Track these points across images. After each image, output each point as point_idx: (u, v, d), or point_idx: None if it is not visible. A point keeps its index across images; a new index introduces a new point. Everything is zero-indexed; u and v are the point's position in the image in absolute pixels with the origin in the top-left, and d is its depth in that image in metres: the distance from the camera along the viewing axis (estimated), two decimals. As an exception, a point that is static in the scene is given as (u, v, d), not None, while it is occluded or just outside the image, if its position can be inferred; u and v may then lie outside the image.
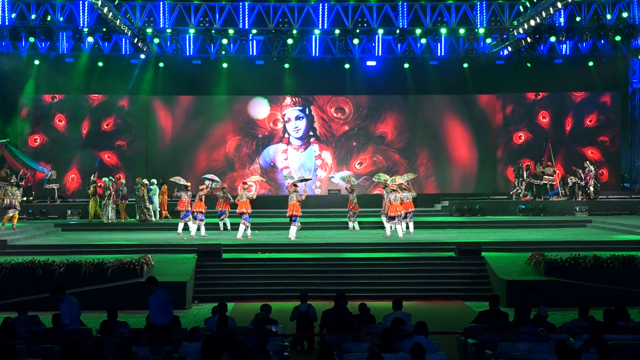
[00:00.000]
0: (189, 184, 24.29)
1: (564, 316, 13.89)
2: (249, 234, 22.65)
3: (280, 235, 23.85)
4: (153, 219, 26.75)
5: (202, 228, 23.46)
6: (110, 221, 26.16)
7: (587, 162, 29.86)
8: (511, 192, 29.81)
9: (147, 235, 24.23)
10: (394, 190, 22.81)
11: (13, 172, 28.66)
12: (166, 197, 27.31)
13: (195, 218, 23.37)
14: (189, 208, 23.56)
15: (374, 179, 25.85)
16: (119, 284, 17.62)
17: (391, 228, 22.91)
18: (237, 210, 22.72)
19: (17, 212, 23.64)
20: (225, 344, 9.56)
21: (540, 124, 32.44)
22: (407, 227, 23.59)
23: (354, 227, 25.07)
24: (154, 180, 27.42)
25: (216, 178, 25.06)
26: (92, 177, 27.68)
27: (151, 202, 26.73)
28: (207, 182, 24.33)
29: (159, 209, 27.20)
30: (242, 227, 22.50)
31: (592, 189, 29.15)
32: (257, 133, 32.73)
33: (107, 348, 9.79)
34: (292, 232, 22.25)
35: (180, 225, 23.84)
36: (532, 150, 31.96)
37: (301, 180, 23.79)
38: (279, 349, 10.71)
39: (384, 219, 23.60)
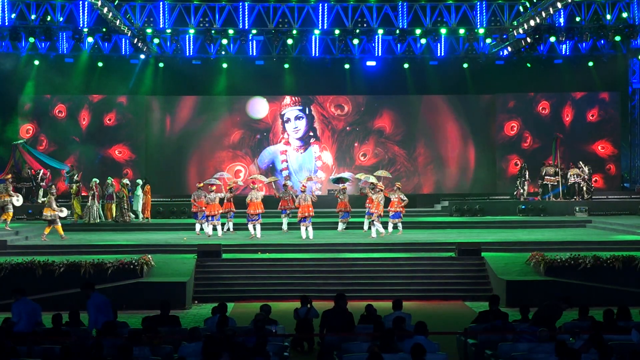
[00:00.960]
0: (213, 187, 23.81)
1: (564, 316, 13.85)
2: (253, 234, 22.68)
3: (280, 235, 23.86)
4: (133, 219, 26.73)
5: (212, 228, 23.46)
6: (95, 221, 26.04)
7: (581, 162, 29.93)
8: (515, 192, 29.83)
9: (147, 235, 24.22)
10: (381, 190, 22.89)
11: (32, 173, 28.83)
12: (149, 197, 27.25)
13: (212, 219, 23.31)
14: (203, 209, 23.50)
15: (358, 176, 25.92)
16: (119, 284, 17.62)
17: (382, 227, 22.92)
18: (253, 211, 22.59)
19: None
20: (225, 344, 9.56)
21: (540, 122, 32.45)
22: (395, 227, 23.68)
23: (342, 228, 25.18)
24: (139, 181, 27.36)
25: (228, 175, 25.01)
26: (74, 177, 27.74)
27: (131, 203, 26.75)
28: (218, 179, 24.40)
29: (140, 210, 27.09)
30: (258, 227, 22.64)
31: (584, 189, 29.30)
32: (256, 133, 32.73)
33: (107, 348, 9.79)
34: (310, 232, 22.31)
35: (209, 227, 23.44)
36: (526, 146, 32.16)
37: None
38: (279, 349, 10.71)
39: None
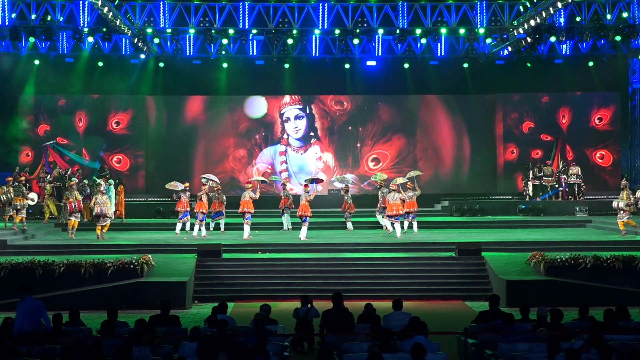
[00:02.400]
0: (186, 184, 24.25)
1: (564, 316, 13.86)
2: (249, 235, 22.65)
3: (280, 235, 23.87)
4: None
5: (203, 228, 23.43)
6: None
7: (574, 162, 30.02)
8: (524, 193, 29.95)
9: (147, 235, 24.25)
10: (393, 189, 22.81)
11: (62, 172, 28.87)
12: (122, 197, 27.18)
13: (196, 218, 23.35)
14: (188, 208, 23.61)
15: (371, 178, 25.77)
16: (119, 284, 17.64)
17: (392, 226, 22.84)
18: (240, 210, 22.71)
19: (110, 220, 22.83)
20: (223, 344, 9.54)
21: (541, 122, 32.43)
22: (411, 227, 23.53)
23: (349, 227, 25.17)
24: (112, 181, 27.30)
25: (214, 178, 25.00)
26: (48, 177, 27.71)
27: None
28: (204, 181, 24.40)
29: (114, 209, 27.01)
30: (247, 227, 22.56)
31: (575, 189, 29.39)
32: (256, 133, 32.72)
33: (107, 348, 9.79)
34: (303, 232, 22.26)
35: (179, 226, 23.84)
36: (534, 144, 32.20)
37: (312, 181, 24.34)
38: (279, 349, 10.71)
39: (379, 217, 23.69)
